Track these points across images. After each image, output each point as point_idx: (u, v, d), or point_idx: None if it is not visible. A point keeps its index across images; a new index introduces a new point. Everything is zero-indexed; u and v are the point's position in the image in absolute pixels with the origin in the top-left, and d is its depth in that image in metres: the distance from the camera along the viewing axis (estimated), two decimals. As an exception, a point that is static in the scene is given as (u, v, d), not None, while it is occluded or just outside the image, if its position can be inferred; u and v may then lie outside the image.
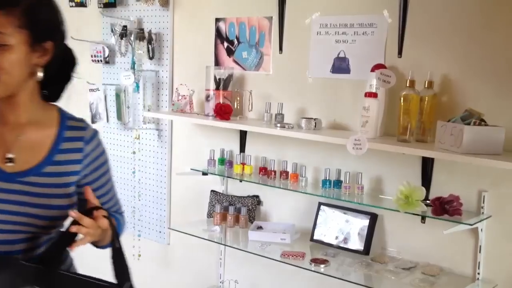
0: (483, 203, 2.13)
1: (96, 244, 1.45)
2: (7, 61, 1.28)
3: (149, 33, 3.03)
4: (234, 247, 2.63)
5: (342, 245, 2.45)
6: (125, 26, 3.08)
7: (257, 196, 2.78)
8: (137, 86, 3.11)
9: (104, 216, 1.37)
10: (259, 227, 2.68)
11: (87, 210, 1.37)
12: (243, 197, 2.81)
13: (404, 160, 2.28)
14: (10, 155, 1.37)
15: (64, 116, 1.48)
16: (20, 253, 1.39)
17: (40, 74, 1.37)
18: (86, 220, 1.32)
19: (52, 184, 1.40)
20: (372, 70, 2.27)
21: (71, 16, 3.35)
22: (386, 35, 2.32)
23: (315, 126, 2.40)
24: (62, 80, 1.50)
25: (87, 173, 1.49)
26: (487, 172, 2.09)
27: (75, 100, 3.51)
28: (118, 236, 1.47)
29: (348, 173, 2.37)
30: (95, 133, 1.51)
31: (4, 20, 1.27)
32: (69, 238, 1.35)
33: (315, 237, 2.53)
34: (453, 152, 1.95)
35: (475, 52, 2.11)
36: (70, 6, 3.25)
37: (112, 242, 1.44)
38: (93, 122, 3.32)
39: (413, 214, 2.15)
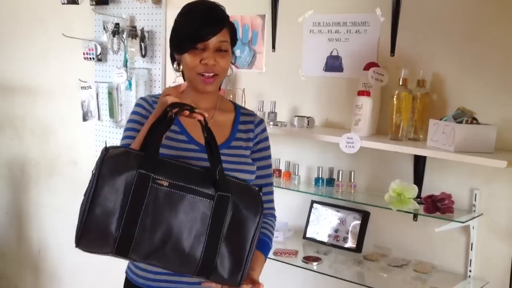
0: (475, 201, 2.14)
1: None
2: (227, 62, 1.68)
3: (142, 30, 3.02)
4: (226, 245, 2.62)
5: (334, 242, 2.45)
6: (117, 24, 3.07)
7: (250, 194, 2.78)
8: (130, 84, 3.10)
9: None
10: (252, 225, 2.67)
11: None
12: (236, 195, 2.80)
13: (397, 158, 2.29)
14: None
15: (237, 105, 1.86)
16: None
17: (230, 72, 1.74)
18: None
19: (236, 154, 1.72)
20: (365, 69, 2.28)
21: (63, 14, 3.38)
22: (379, 33, 2.33)
23: (308, 124, 2.41)
24: None
25: (255, 150, 1.79)
26: (479, 170, 2.10)
27: (66, 97, 3.51)
28: None
29: (341, 171, 2.38)
30: (262, 120, 1.85)
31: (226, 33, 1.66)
32: None
33: (307, 235, 2.54)
34: (445, 150, 1.96)
35: (467, 51, 2.13)
36: (62, 3, 3.22)
37: None
38: (84, 120, 3.31)
39: (405, 212, 2.16)
